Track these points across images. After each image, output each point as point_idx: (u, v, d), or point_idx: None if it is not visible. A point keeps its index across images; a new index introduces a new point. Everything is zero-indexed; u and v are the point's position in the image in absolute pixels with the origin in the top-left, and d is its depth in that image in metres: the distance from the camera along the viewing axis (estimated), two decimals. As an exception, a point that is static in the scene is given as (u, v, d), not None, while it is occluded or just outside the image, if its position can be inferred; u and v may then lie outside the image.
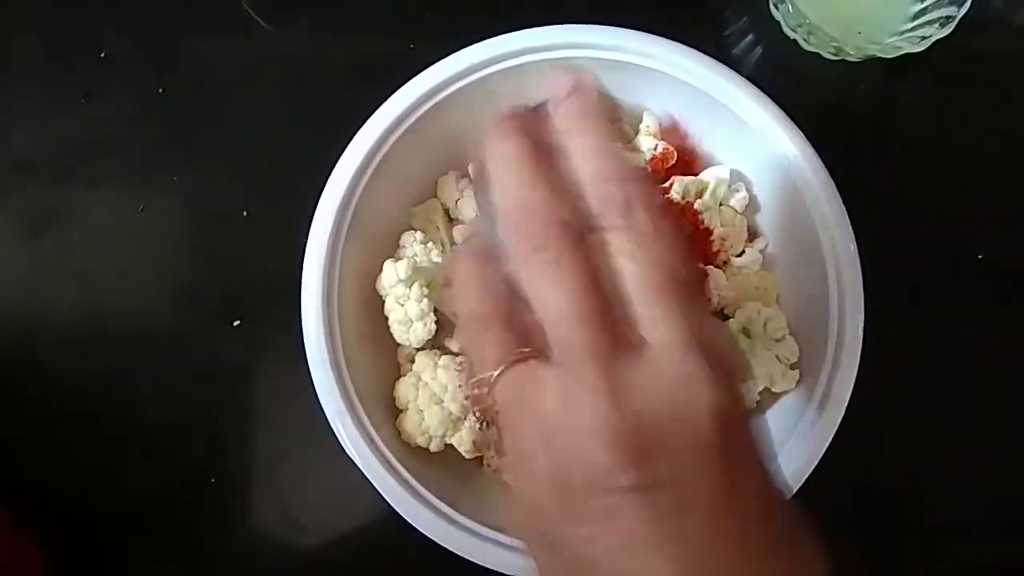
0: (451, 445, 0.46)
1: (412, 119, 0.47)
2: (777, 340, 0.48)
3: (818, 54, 0.56)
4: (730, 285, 0.48)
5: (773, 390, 0.48)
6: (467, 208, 0.51)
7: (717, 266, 0.50)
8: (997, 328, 0.57)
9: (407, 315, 0.45)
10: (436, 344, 0.49)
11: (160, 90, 0.58)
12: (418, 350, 0.48)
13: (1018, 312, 0.57)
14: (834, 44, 0.54)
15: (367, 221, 0.47)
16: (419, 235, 0.49)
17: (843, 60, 0.55)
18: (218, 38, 0.60)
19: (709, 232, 0.49)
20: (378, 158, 0.47)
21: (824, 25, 0.53)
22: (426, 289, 0.45)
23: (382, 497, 0.44)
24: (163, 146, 0.58)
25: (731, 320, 0.48)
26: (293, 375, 0.55)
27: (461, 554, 0.42)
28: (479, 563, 0.42)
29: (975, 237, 0.58)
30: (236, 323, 0.55)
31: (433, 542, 0.43)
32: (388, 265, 0.46)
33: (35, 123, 0.58)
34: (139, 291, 0.56)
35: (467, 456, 0.47)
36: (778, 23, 0.57)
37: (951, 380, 0.56)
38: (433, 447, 0.46)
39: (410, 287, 0.45)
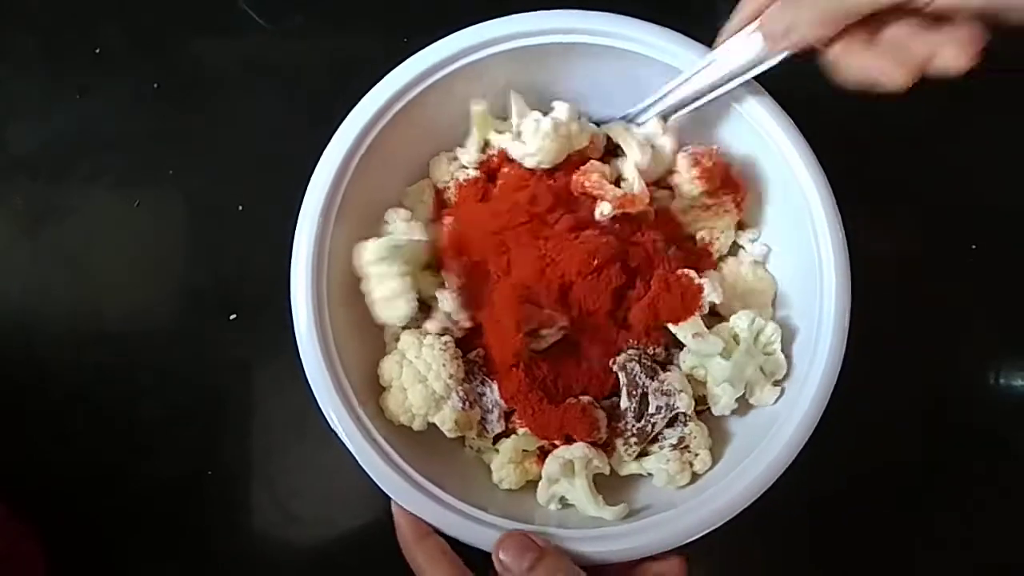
0: (434, 424, 0.46)
1: (402, 103, 0.47)
2: (767, 354, 0.47)
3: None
4: (725, 286, 0.48)
5: (750, 401, 0.47)
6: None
7: (711, 267, 0.50)
8: (993, 320, 0.57)
9: (389, 292, 0.45)
10: (419, 325, 0.48)
11: (155, 85, 0.59)
12: (403, 328, 0.47)
13: (1013, 303, 0.58)
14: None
15: (357, 203, 0.47)
16: (403, 212, 0.49)
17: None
18: (213, 33, 0.60)
19: (692, 239, 0.49)
20: (368, 141, 0.47)
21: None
22: (406, 267, 0.45)
23: (377, 486, 0.44)
24: (158, 141, 0.58)
25: (722, 324, 0.48)
26: (289, 367, 0.55)
27: (445, 531, 0.42)
28: (463, 541, 0.42)
29: (970, 226, 0.58)
30: (232, 316, 0.55)
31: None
32: (366, 243, 0.45)
33: (30, 119, 0.59)
34: (135, 285, 0.56)
35: (449, 435, 0.47)
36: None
37: (944, 372, 0.57)
38: (416, 426, 0.46)
39: (391, 265, 0.45)
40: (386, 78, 0.47)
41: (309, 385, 0.46)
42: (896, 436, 0.56)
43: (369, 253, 0.45)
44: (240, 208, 0.57)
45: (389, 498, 0.43)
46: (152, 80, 0.59)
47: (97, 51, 0.59)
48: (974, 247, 0.58)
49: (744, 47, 0.44)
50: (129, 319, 0.56)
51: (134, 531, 0.54)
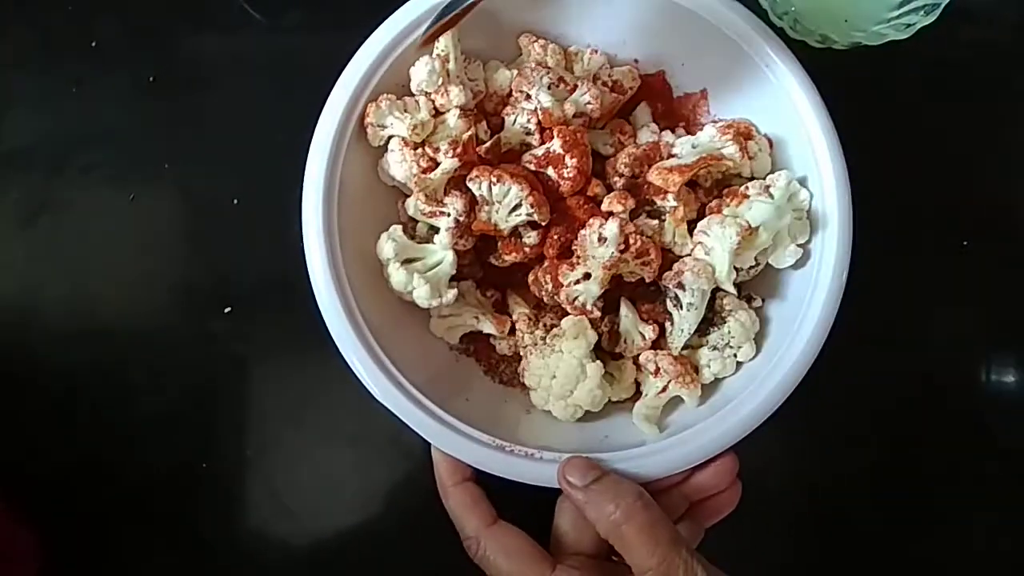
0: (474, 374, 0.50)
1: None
2: (797, 217, 0.49)
3: (804, 42, 0.56)
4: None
5: (771, 262, 0.49)
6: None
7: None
8: (983, 318, 0.58)
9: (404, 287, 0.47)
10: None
11: (151, 79, 0.59)
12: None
13: (1004, 301, 0.58)
14: (820, 32, 0.54)
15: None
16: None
17: (829, 48, 0.56)
18: (210, 27, 0.60)
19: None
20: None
21: (810, 13, 0.54)
22: (410, 265, 0.46)
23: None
24: (154, 135, 0.58)
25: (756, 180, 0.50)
26: (283, 361, 0.55)
27: (484, 468, 0.43)
28: (507, 477, 0.43)
29: (961, 225, 0.58)
30: (227, 310, 0.55)
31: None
32: (383, 238, 0.47)
33: (25, 111, 0.58)
34: (130, 279, 0.56)
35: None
36: (765, 11, 0.57)
37: (935, 369, 0.57)
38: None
39: (397, 262, 0.46)
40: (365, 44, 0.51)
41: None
42: (887, 431, 0.56)
43: (382, 250, 0.46)
44: (235, 202, 0.57)
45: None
46: (148, 74, 0.59)
47: (93, 44, 0.59)
48: (965, 244, 0.58)
49: None
50: (124, 312, 0.56)
51: (130, 525, 0.54)
